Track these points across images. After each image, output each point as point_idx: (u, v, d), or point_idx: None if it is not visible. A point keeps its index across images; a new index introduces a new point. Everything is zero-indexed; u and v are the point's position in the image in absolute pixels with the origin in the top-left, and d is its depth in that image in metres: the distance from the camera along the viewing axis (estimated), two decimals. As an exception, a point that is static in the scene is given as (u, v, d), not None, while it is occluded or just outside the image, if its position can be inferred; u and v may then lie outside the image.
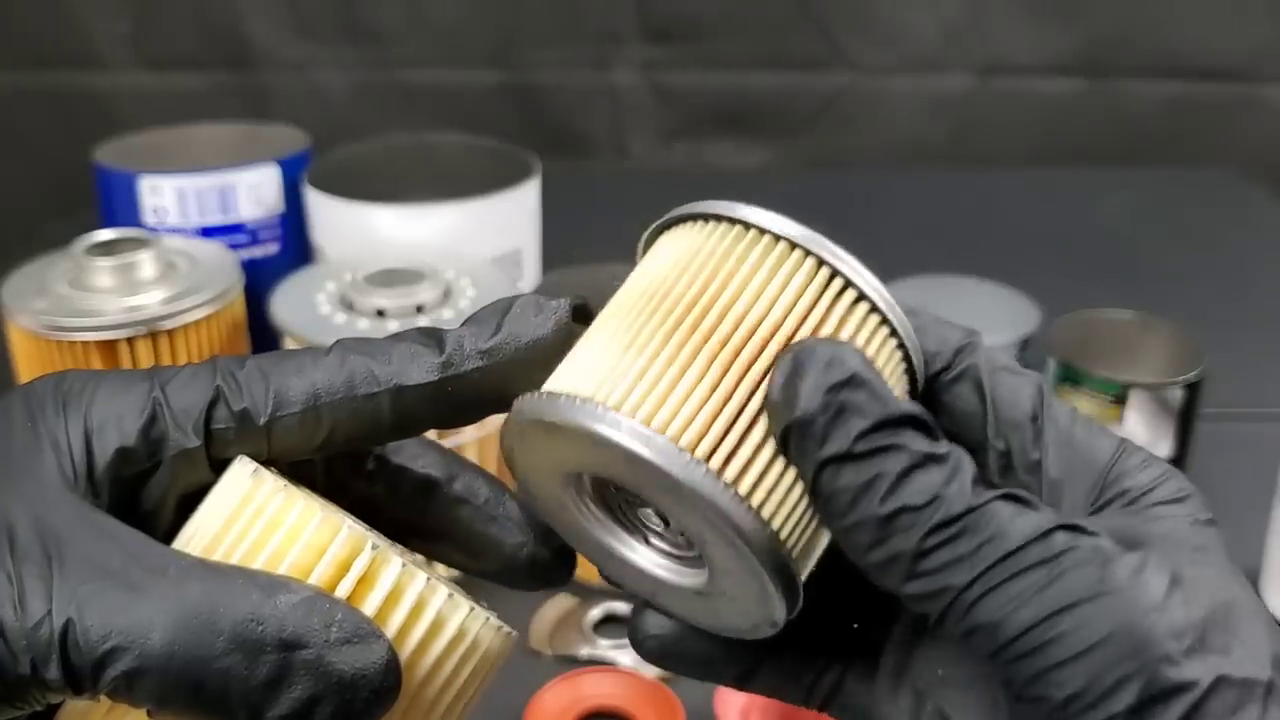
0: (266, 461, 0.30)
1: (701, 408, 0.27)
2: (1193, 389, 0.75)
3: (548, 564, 0.34)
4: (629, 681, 0.63)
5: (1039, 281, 0.90)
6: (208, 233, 0.84)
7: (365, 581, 0.29)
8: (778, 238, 0.29)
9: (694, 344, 0.28)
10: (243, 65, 1.40)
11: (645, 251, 0.31)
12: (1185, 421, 0.76)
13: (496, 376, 0.31)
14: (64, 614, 0.26)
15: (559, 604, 0.69)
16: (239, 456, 0.30)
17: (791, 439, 0.27)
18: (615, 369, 0.28)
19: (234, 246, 0.83)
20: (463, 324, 0.31)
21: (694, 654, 0.32)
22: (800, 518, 0.28)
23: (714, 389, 0.27)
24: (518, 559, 0.34)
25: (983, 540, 0.26)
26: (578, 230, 1.03)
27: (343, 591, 0.28)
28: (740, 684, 0.33)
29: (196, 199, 0.83)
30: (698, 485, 0.27)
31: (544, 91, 1.43)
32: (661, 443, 0.27)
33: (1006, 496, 0.27)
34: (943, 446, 0.27)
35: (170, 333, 0.68)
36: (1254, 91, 1.41)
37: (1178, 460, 0.77)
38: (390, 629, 0.28)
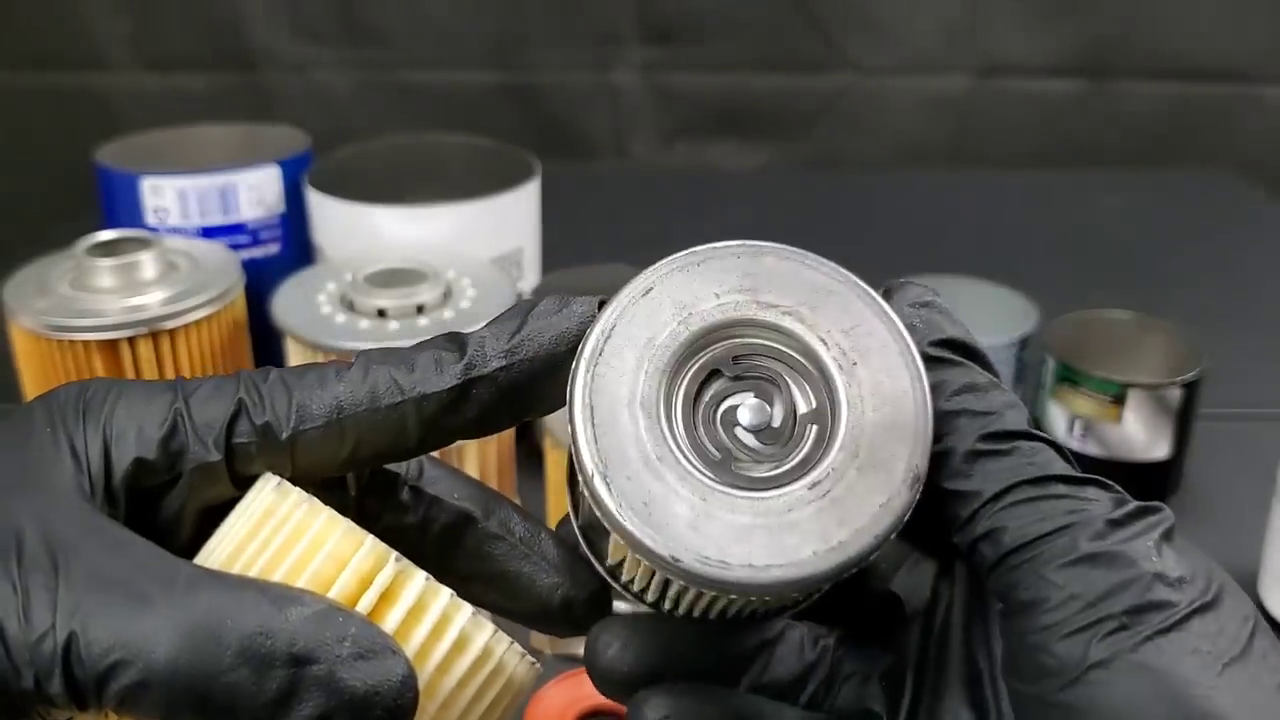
0: (293, 480, 0.30)
1: None
2: (1191, 389, 0.75)
3: (582, 607, 0.33)
4: (629, 681, 0.63)
5: (1038, 281, 0.90)
6: (209, 233, 0.84)
7: (388, 596, 0.28)
8: None
9: None
10: (244, 66, 1.40)
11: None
12: (1183, 421, 0.76)
13: (520, 377, 0.30)
14: (67, 627, 0.25)
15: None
16: (265, 473, 0.29)
17: None
18: None
19: (235, 247, 0.83)
20: (485, 325, 0.31)
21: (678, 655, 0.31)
22: None
23: None
24: (552, 601, 0.33)
25: (1028, 461, 0.28)
26: (578, 230, 1.03)
27: (364, 605, 0.27)
28: None
29: (198, 199, 0.84)
30: (867, 287, 0.29)
31: (544, 91, 1.43)
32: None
33: (1052, 444, 0.29)
34: (1005, 387, 0.29)
35: (171, 333, 0.68)
36: (1254, 92, 1.41)
37: (1176, 460, 0.77)
38: (411, 646, 0.27)
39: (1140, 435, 0.75)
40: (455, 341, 0.30)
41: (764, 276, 0.29)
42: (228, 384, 0.30)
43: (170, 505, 0.29)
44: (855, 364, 0.28)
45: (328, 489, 0.31)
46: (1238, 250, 1.21)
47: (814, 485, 0.28)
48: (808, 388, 0.29)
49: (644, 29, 1.40)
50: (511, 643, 0.29)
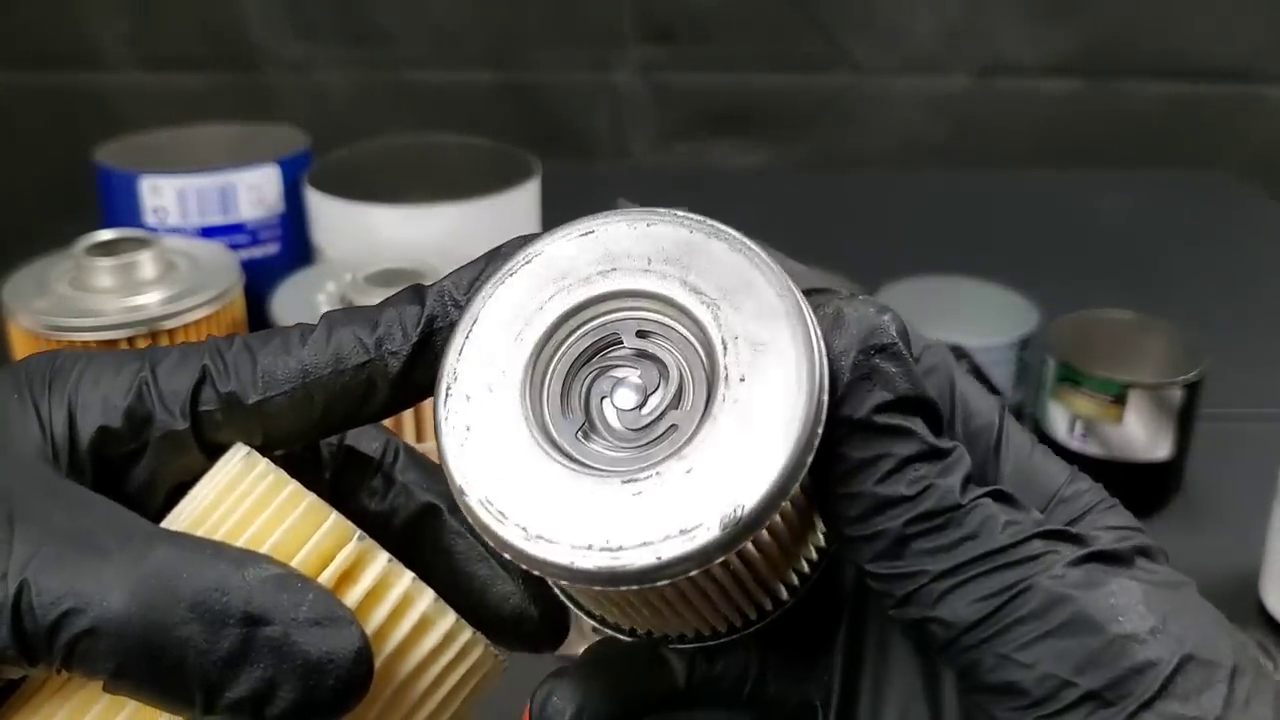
0: (268, 448, 0.29)
1: None
2: (1192, 389, 0.75)
3: (534, 623, 0.32)
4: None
5: (1039, 282, 0.90)
6: (208, 233, 0.84)
7: (348, 575, 0.27)
8: None
9: None
10: (243, 65, 1.40)
11: None
12: (1184, 421, 0.76)
13: None
14: (18, 577, 0.25)
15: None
16: (236, 443, 0.29)
17: None
18: None
19: (234, 247, 0.83)
20: (446, 275, 0.30)
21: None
22: None
23: None
24: (503, 609, 0.32)
25: (965, 535, 0.26)
26: (578, 230, 1.03)
27: (324, 581, 0.27)
28: None
29: (197, 199, 0.84)
30: (763, 252, 0.26)
31: (544, 91, 1.43)
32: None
33: (995, 494, 0.27)
34: (946, 441, 0.27)
35: (170, 333, 0.68)
36: (1254, 91, 1.41)
37: (1177, 460, 0.77)
38: (370, 626, 0.27)
39: (1141, 435, 0.75)
40: (418, 295, 0.30)
41: (703, 259, 0.27)
42: (194, 352, 0.29)
43: (139, 475, 0.29)
44: (743, 380, 0.25)
45: (301, 468, 0.31)
46: (1238, 250, 1.21)
47: (629, 482, 0.25)
48: (692, 387, 0.27)
49: (644, 29, 1.40)
50: (475, 631, 0.29)
